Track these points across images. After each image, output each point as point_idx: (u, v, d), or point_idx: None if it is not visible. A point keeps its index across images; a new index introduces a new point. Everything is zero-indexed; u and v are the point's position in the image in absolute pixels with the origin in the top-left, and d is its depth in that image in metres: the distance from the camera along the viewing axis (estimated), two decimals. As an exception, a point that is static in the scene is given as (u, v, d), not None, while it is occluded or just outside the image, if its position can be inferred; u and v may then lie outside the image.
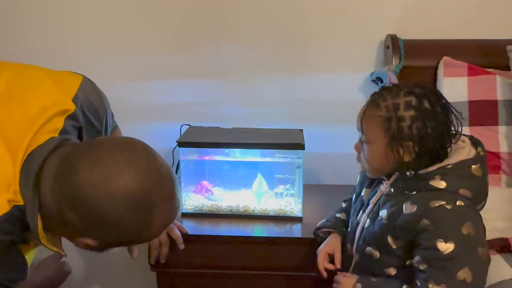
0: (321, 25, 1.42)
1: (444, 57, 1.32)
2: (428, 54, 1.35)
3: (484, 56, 1.32)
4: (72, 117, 0.83)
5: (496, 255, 0.98)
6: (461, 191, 0.84)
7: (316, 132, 1.43)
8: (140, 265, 1.25)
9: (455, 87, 1.27)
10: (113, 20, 1.45)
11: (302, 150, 1.19)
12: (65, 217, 0.71)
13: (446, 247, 0.79)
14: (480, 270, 0.81)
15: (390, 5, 1.40)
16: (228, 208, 1.26)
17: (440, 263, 0.80)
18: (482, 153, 0.87)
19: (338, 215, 1.07)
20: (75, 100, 0.84)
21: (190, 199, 1.28)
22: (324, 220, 1.07)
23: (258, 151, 1.26)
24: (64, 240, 0.82)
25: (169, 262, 1.14)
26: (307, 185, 1.29)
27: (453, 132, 0.86)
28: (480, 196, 0.86)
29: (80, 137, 0.87)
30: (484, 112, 1.25)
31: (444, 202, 0.82)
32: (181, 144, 1.22)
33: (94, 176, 0.69)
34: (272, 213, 1.25)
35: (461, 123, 0.86)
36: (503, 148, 1.23)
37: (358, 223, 0.96)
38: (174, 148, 1.26)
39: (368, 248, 0.92)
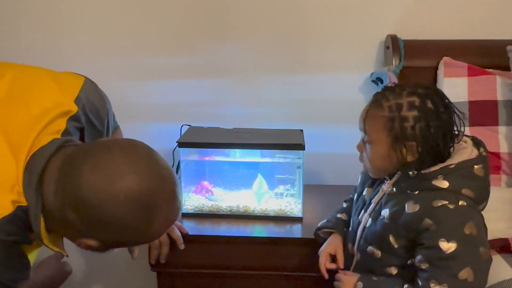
0: (321, 25, 1.42)
1: (444, 58, 1.32)
2: (428, 54, 1.35)
3: (484, 56, 1.32)
4: (74, 118, 0.83)
5: (496, 255, 0.98)
6: (464, 191, 0.84)
7: (316, 132, 1.43)
8: (140, 265, 1.25)
9: (455, 87, 1.27)
10: (113, 20, 1.45)
11: (302, 151, 1.19)
12: (68, 218, 0.71)
13: (448, 246, 0.80)
14: (481, 270, 0.81)
15: (390, 6, 1.40)
16: (228, 209, 1.26)
17: (442, 262, 0.80)
18: (484, 154, 0.88)
19: (339, 215, 1.07)
20: (77, 101, 0.84)
21: (190, 200, 1.29)
22: (325, 221, 1.07)
23: (258, 151, 1.26)
24: (65, 241, 0.82)
25: (169, 262, 1.14)
26: (307, 185, 1.29)
27: (456, 132, 0.86)
28: (482, 196, 0.86)
29: (82, 138, 0.87)
30: (484, 112, 1.25)
31: (447, 202, 0.82)
32: (181, 144, 1.22)
33: (97, 178, 0.69)
34: (272, 214, 1.25)
35: (463, 123, 0.87)
36: (503, 148, 1.23)
37: (359, 223, 0.96)
38: (175, 149, 1.26)
39: (370, 247, 0.92)
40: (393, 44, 1.34)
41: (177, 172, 1.27)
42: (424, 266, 0.82)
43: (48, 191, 0.72)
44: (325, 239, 1.05)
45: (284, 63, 1.46)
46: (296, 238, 1.17)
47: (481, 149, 0.88)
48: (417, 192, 0.87)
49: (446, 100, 0.86)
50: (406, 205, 0.86)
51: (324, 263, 1.00)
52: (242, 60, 1.47)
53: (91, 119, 0.89)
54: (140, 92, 1.50)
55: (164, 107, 1.50)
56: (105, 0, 1.43)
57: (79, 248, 0.80)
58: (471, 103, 1.26)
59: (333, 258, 1.01)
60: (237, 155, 1.27)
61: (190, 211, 1.26)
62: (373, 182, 0.99)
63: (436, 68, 1.33)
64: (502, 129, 1.23)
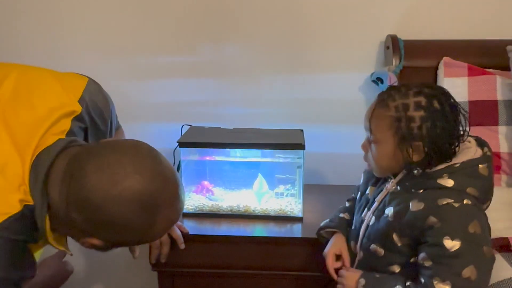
0: (321, 26, 1.42)
1: (444, 58, 1.33)
2: (428, 54, 1.35)
3: (484, 56, 1.33)
4: (78, 118, 0.84)
5: (497, 254, 0.98)
6: (469, 190, 0.84)
7: (316, 132, 1.43)
8: (141, 264, 1.25)
9: (455, 87, 1.27)
10: (113, 20, 1.45)
11: (302, 150, 1.20)
12: (72, 218, 0.72)
13: (452, 244, 0.80)
14: (484, 268, 0.81)
15: (390, 6, 1.40)
16: (229, 208, 1.26)
17: (446, 260, 0.80)
18: (488, 153, 0.88)
19: (341, 215, 1.06)
20: (80, 101, 0.85)
21: (191, 199, 1.29)
22: (327, 220, 1.07)
23: (258, 151, 1.26)
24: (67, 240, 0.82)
25: (170, 262, 1.14)
26: (308, 185, 1.29)
27: (461, 131, 0.86)
28: (486, 196, 0.87)
29: (85, 138, 0.88)
30: (484, 112, 1.25)
31: (452, 200, 0.82)
32: (182, 144, 1.22)
33: (101, 179, 0.70)
34: (272, 213, 1.25)
35: (468, 122, 0.87)
36: (503, 148, 1.23)
37: (362, 221, 0.96)
38: (175, 148, 1.26)
39: (373, 246, 0.92)
40: (393, 44, 1.34)
41: (177, 172, 1.28)
42: (427, 263, 0.82)
43: (53, 190, 0.73)
44: (327, 239, 1.05)
45: (285, 63, 1.46)
46: (296, 238, 1.17)
47: (485, 149, 0.88)
48: (421, 190, 0.87)
49: (452, 100, 0.86)
50: (410, 204, 0.86)
51: (332, 265, 0.99)
52: (242, 60, 1.47)
53: (94, 120, 0.89)
54: (140, 92, 1.50)
55: (164, 107, 1.50)
56: (106, 0, 1.43)
57: (80, 248, 0.80)
58: (471, 103, 1.26)
59: (337, 258, 1.01)
60: (238, 155, 1.27)
61: (191, 211, 1.26)
62: (377, 181, 0.99)
63: (436, 68, 1.33)
64: (502, 129, 1.24)
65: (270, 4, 1.42)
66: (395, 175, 0.92)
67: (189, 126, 1.36)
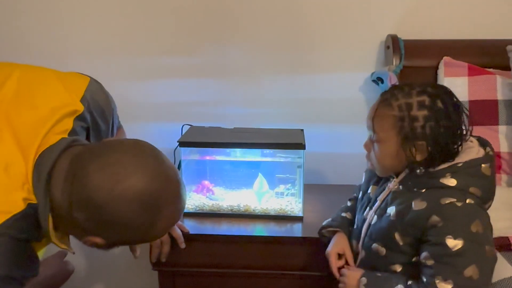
0: (321, 26, 1.43)
1: (445, 57, 1.33)
2: (428, 54, 1.35)
3: (484, 56, 1.33)
4: (80, 118, 0.84)
5: (497, 253, 0.98)
6: (471, 189, 0.84)
7: (316, 132, 1.44)
8: (141, 264, 1.25)
9: (455, 87, 1.26)
10: (115, 20, 1.45)
11: (302, 150, 1.20)
12: (74, 217, 0.72)
13: (454, 243, 0.80)
14: (487, 268, 0.81)
15: (391, 6, 1.40)
16: (229, 208, 1.26)
17: (448, 259, 0.80)
18: (491, 153, 0.88)
19: (343, 214, 1.06)
20: (82, 101, 0.85)
21: (192, 199, 1.29)
22: (329, 219, 1.07)
23: (259, 151, 1.26)
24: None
25: (170, 261, 1.15)
26: (308, 184, 1.29)
27: (464, 131, 0.86)
28: (488, 195, 0.87)
29: (87, 137, 0.88)
30: (484, 112, 1.25)
31: (455, 200, 0.82)
32: (182, 144, 1.22)
33: (103, 178, 0.70)
34: (272, 213, 1.25)
35: (471, 122, 0.87)
36: (503, 148, 1.23)
37: (364, 220, 0.96)
38: (176, 148, 1.26)
39: (374, 245, 0.92)
40: (394, 44, 1.34)
41: (178, 171, 1.28)
42: (429, 262, 0.82)
43: (55, 190, 0.73)
44: (329, 238, 1.04)
45: (285, 63, 1.46)
46: (296, 237, 1.17)
47: (488, 149, 0.88)
48: (424, 190, 0.87)
49: (455, 99, 0.86)
50: (413, 203, 0.86)
51: (335, 265, 0.99)
52: (243, 60, 1.47)
53: (96, 119, 0.89)
54: (141, 92, 1.50)
55: (165, 107, 1.51)
56: (107, 1, 1.43)
57: (81, 248, 0.80)
58: (471, 103, 1.26)
59: (339, 257, 1.01)
60: (238, 155, 1.27)
61: (191, 210, 1.26)
62: (378, 180, 0.98)
63: (437, 68, 1.33)
64: (502, 129, 1.24)
65: (271, 4, 1.42)
66: (397, 174, 0.92)
67: (189, 126, 1.36)
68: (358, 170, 1.47)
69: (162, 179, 0.73)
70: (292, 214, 1.24)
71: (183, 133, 1.32)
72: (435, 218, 0.82)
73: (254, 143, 1.22)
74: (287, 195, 1.28)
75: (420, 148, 0.85)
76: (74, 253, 0.85)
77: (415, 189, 0.88)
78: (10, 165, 0.73)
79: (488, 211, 0.88)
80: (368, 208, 0.97)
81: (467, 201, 0.83)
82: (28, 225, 0.73)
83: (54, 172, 0.74)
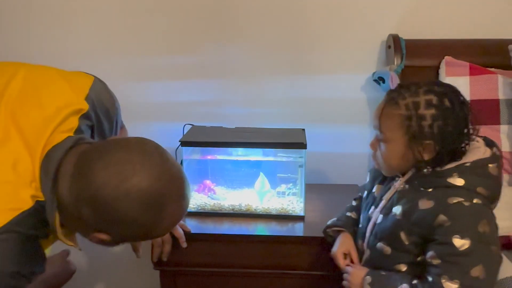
0: (323, 25, 1.43)
1: (446, 57, 1.33)
2: (429, 53, 1.35)
3: (486, 55, 1.33)
4: (85, 116, 0.85)
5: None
6: (479, 189, 0.84)
7: (318, 132, 1.44)
8: (143, 263, 1.26)
9: (456, 86, 1.26)
10: (117, 20, 1.46)
11: (304, 150, 1.20)
12: (81, 214, 0.73)
13: (462, 243, 0.80)
14: (493, 268, 0.81)
15: (392, 5, 1.40)
16: (231, 207, 1.27)
17: (455, 258, 0.80)
18: (498, 153, 0.88)
19: (348, 213, 1.06)
20: (87, 99, 0.86)
21: (193, 198, 1.29)
22: (334, 219, 1.06)
23: (260, 150, 1.26)
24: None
25: (172, 261, 1.15)
26: (309, 184, 1.30)
27: (471, 129, 0.86)
28: (495, 195, 0.87)
29: (92, 136, 0.89)
30: (486, 111, 1.25)
31: (463, 199, 0.82)
32: (184, 143, 1.23)
33: (109, 176, 0.71)
34: (274, 212, 1.25)
35: (477, 121, 0.87)
36: (505, 147, 1.23)
37: (369, 219, 0.96)
38: (177, 148, 1.26)
39: (379, 244, 0.91)
40: (395, 43, 1.34)
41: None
42: (435, 262, 0.82)
43: (62, 187, 0.74)
44: (334, 238, 1.04)
45: (286, 63, 1.47)
46: (298, 237, 1.17)
47: (494, 149, 0.88)
48: (431, 189, 0.86)
49: (462, 98, 0.86)
50: (419, 202, 0.86)
51: (344, 263, 0.98)
52: (244, 61, 1.47)
53: (100, 118, 0.90)
54: (143, 92, 1.50)
55: (167, 107, 1.51)
56: (108, 0, 1.44)
57: (82, 247, 0.81)
58: (473, 102, 1.26)
59: (344, 257, 1.00)
60: (240, 154, 1.28)
61: (193, 210, 1.27)
62: (383, 179, 0.98)
63: (438, 67, 1.33)
64: (504, 128, 1.24)
65: (272, 5, 1.42)
66: (402, 173, 0.92)
67: (191, 126, 1.37)
68: (360, 170, 1.47)
69: (167, 177, 0.74)
70: (293, 214, 1.24)
71: (184, 133, 1.32)
72: (442, 218, 0.82)
73: (255, 143, 1.23)
74: (288, 194, 1.28)
75: (428, 148, 0.84)
76: (80, 249, 0.86)
77: (421, 188, 0.87)
78: (18, 163, 0.74)
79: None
80: (373, 207, 0.97)
81: (475, 201, 0.83)
82: (36, 222, 0.74)
83: (61, 170, 0.75)
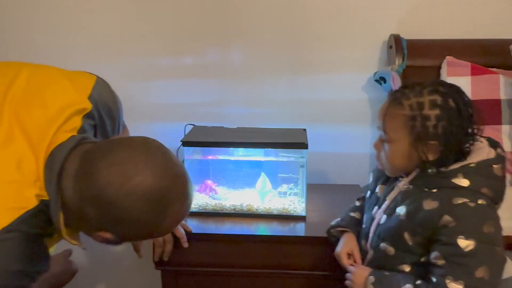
0: (324, 26, 1.43)
1: (447, 57, 1.33)
2: (431, 53, 1.36)
3: (487, 55, 1.33)
4: (88, 116, 0.85)
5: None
6: (483, 190, 0.84)
7: (319, 132, 1.44)
8: (144, 263, 1.26)
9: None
10: (118, 20, 1.46)
11: (305, 150, 1.20)
12: (85, 213, 0.73)
13: (466, 244, 0.80)
14: (497, 269, 0.81)
15: (393, 5, 1.40)
16: (232, 207, 1.27)
17: (459, 259, 0.80)
18: (502, 154, 0.88)
19: (352, 213, 1.06)
20: (90, 99, 0.86)
21: (194, 198, 1.29)
22: (338, 219, 1.06)
23: (261, 150, 1.26)
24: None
25: (173, 260, 1.15)
26: (311, 184, 1.30)
27: (476, 129, 0.86)
28: (499, 196, 0.86)
29: (95, 135, 0.89)
30: (487, 111, 1.25)
31: (468, 200, 0.82)
32: (185, 143, 1.23)
33: (113, 175, 0.71)
34: (275, 212, 1.25)
35: (481, 121, 0.86)
36: (506, 147, 1.23)
37: (372, 219, 0.96)
38: (179, 148, 1.26)
39: (383, 244, 0.91)
40: (396, 43, 1.34)
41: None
42: (440, 262, 0.82)
43: (66, 186, 0.74)
44: (337, 238, 1.04)
45: (288, 63, 1.47)
46: (299, 237, 1.17)
47: (499, 150, 0.88)
48: (435, 190, 0.86)
49: (466, 98, 0.86)
50: (424, 203, 0.85)
51: (348, 263, 0.98)
52: (245, 61, 1.47)
53: (103, 117, 0.90)
54: (144, 92, 1.51)
55: (168, 107, 1.51)
56: (110, 1, 1.44)
57: (83, 247, 0.81)
58: (474, 102, 1.24)
59: (348, 257, 1.00)
60: (241, 154, 1.28)
61: (194, 210, 1.27)
62: (386, 179, 0.98)
63: (439, 67, 1.33)
64: (505, 128, 1.24)
65: (273, 5, 1.42)
66: (406, 174, 0.92)
67: (192, 126, 1.37)
68: (361, 170, 1.47)
69: (170, 176, 0.75)
70: (295, 214, 1.24)
71: (186, 133, 1.32)
72: (447, 218, 0.82)
73: (257, 143, 1.23)
74: (290, 194, 1.28)
75: (432, 148, 0.84)
76: (85, 248, 0.86)
77: (425, 189, 0.87)
78: (22, 162, 0.74)
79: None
80: (376, 207, 0.96)
81: (479, 201, 0.82)
82: (40, 221, 0.74)
83: (65, 169, 0.75)
